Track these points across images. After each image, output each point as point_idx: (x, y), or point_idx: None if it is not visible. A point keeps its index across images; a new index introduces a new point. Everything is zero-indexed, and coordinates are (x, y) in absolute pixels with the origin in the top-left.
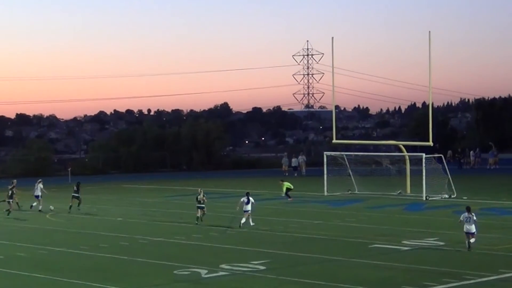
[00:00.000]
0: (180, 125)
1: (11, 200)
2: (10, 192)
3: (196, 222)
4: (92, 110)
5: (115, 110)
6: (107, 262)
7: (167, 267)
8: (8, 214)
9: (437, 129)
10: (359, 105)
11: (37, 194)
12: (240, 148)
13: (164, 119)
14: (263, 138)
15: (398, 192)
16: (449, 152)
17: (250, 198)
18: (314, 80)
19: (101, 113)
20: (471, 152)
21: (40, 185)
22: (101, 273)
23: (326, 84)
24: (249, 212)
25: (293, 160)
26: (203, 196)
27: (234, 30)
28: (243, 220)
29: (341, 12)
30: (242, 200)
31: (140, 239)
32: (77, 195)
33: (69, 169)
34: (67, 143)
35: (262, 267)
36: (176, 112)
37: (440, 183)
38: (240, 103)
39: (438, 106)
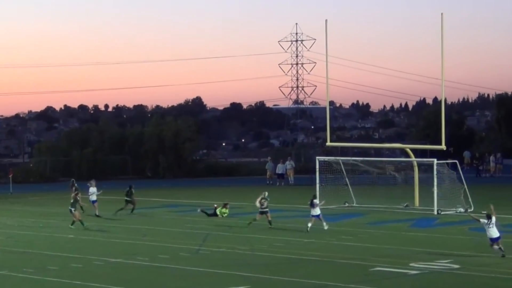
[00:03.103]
0: (143, 123)
1: (73, 209)
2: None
3: (249, 222)
4: (37, 105)
5: (65, 106)
6: None
7: None
8: (83, 225)
9: (451, 130)
10: (358, 101)
11: (94, 200)
12: (215, 151)
13: (125, 116)
14: (243, 140)
15: (405, 205)
16: (466, 156)
17: (315, 201)
18: (304, 70)
19: (49, 109)
20: (491, 157)
21: (93, 188)
22: None
23: (318, 76)
24: (319, 215)
25: (279, 166)
26: (265, 200)
27: (209, 11)
28: (309, 224)
29: None
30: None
31: (95, 260)
32: (129, 199)
33: (10, 176)
34: (8, 144)
35: None
36: (139, 108)
37: (455, 194)
38: (216, 98)
39: (452, 102)
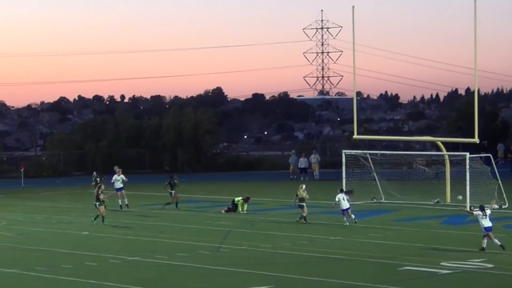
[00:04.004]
0: (161, 115)
1: (97, 204)
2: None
3: (303, 221)
4: (50, 95)
5: (79, 96)
6: (70, 287)
7: None
8: (100, 220)
9: (484, 122)
10: (386, 92)
11: (119, 187)
12: (236, 144)
13: (142, 107)
14: (265, 132)
15: (436, 201)
16: (500, 150)
17: (340, 196)
18: (330, 59)
19: (62, 99)
20: None
21: (122, 176)
22: None
23: (345, 65)
24: (349, 209)
25: (301, 160)
26: (303, 192)
27: None
28: (349, 218)
29: None
30: (337, 200)
31: (111, 258)
32: (171, 191)
33: (22, 170)
34: (19, 137)
35: None
36: (157, 99)
37: (488, 190)
38: (237, 88)
39: (485, 93)
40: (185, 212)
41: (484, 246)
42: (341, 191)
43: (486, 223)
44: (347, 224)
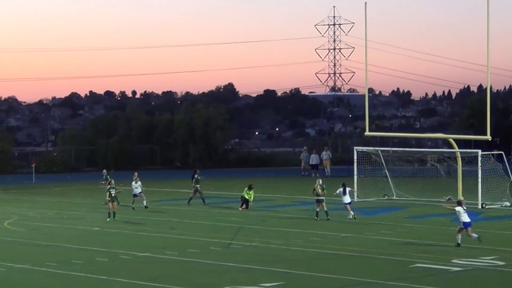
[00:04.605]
0: (173, 111)
1: (107, 200)
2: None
3: (316, 218)
4: (62, 91)
5: (90, 92)
6: (80, 283)
7: None
8: (114, 217)
9: (497, 119)
10: (398, 89)
11: (138, 192)
12: (248, 141)
13: (153, 103)
14: (277, 129)
15: (447, 198)
16: None
17: (348, 189)
18: (342, 56)
19: (74, 95)
20: None
21: (139, 183)
22: None
23: (357, 62)
24: (350, 203)
25: (312, 156)
26: (320, 187)
27: None
28: (351, 214)
29: None
30: (337, 192)
31: (122, 254)
32: (194, 185)
33: (33, 166)
34: (31, 132)
35: None
36: (168, 95)
37: (501, 187)
38: (249, 85)
39: (498, 90)
40: (196, 208)
41: (459, 242)
42: (343, 185)
43: (465, 218)
44: (355, 218)
